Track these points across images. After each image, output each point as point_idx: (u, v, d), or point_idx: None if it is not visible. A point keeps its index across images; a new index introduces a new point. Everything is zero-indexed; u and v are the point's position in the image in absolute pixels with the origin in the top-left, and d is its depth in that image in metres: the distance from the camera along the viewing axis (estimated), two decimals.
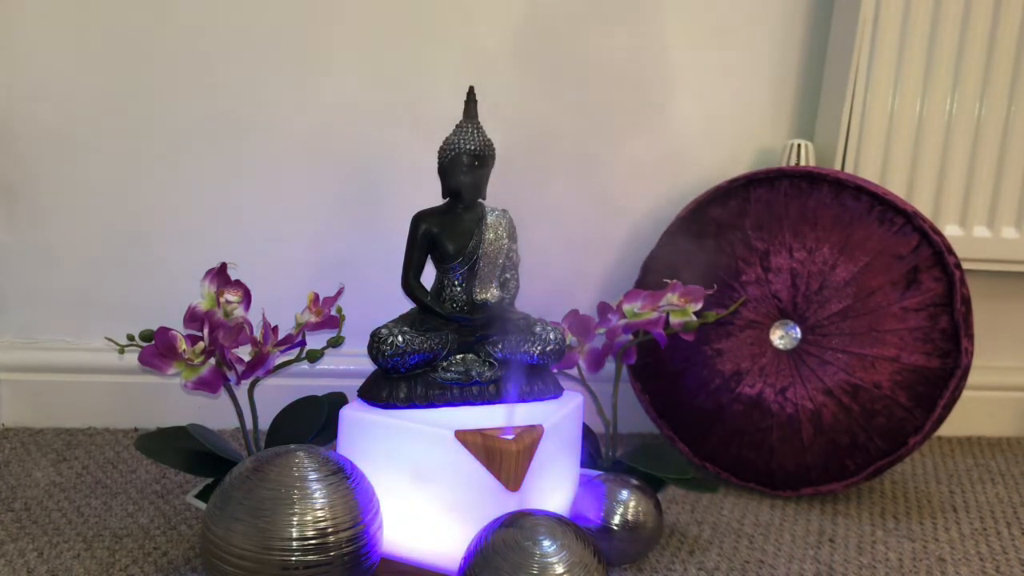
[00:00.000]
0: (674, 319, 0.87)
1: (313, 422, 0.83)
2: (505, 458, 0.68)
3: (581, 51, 1.04)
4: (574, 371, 0.89)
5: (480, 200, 0.78)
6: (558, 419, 0.75)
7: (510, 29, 1.02)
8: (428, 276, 0.77)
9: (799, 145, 1.03)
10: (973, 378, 1.07)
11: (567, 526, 0.64)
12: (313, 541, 0.63)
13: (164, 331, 0.75)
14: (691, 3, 1.05)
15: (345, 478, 0.67)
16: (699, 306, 0.87)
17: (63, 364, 1.02)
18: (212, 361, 0.77)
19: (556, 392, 0.79)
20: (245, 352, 0.79)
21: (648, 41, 1.05)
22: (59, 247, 1.01)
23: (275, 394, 0.88)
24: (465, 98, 0.78)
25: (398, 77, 1.02)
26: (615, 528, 0.75)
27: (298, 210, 1.03)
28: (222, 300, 0.79)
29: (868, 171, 1.03)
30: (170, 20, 0.97)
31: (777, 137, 1.10)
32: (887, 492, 0.98)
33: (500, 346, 0.76)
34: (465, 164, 0.76)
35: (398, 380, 0.74)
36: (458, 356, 0.76)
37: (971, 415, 1.17)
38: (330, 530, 0.63)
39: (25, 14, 0.95)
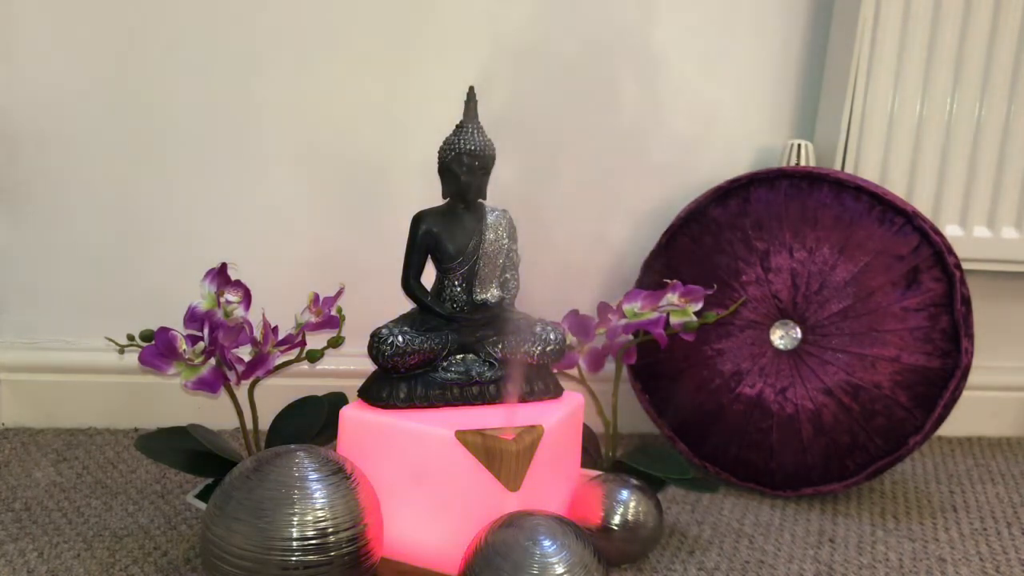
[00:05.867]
0: (674, 319, 0.87)
1: (313, 422, 0.83)
2: (505, 458, 0.68)
3: (581, 51, 1.04)
4: (574, 371, 0.89)
5: (480, 200, 0.78)
6: (558, 419, 0.75)
7: (510, 29, 1.02)
8: (428, 276, 0.77)
9: (799, 145, 1.03)
10: (973, 378, 1.07)
11: (567, 526, 0.64)
12: (313, 541, 0.63)
13: (164, 331, 0.75)
14: (691, 3, 1.05)
15: (345, 478, 0.67)
16: (699, 306, 0.87)
17: (63, 364, 1.02)
18: (212, 361, 0.77)
19: (556, 392, 0.79)
20: (245, 352, 0.79)
21: (648, 41, 1.05)
22: (59, 247, 1.01)
23: (275, 394, 0.88)
24: (465, 98, 0.78)
25: (398, 77, 1.02)
26: (615, 528, 0.75)
27: (298, 210, 1.03)
28: (222, 300, 0.79)
29: (868, 171, 1.03)
30: (169, 20, 0.97)
31: (777, 137, 1.10)
32: (887, 492, 0.98)
33: (500, 346, 0.76)
34: (465, 164, 0.76)
35: (398, 380, 0.74)
36: (458, 356, 0.76)
37: (971, 415, 1.17)
38: (330, 530, 0.63)
39: (25, 15, 0.95)
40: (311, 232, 1.04)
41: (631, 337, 0.88)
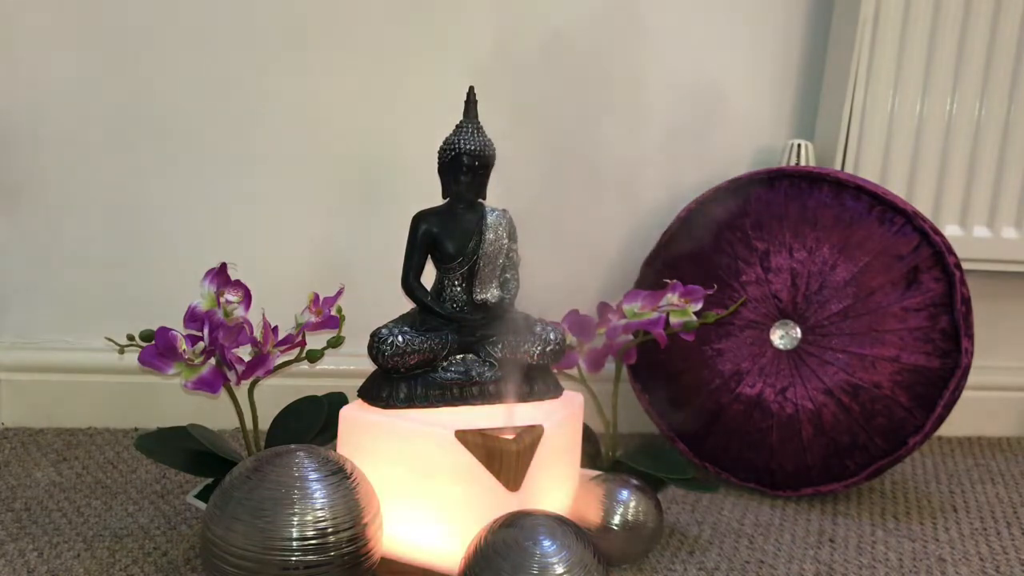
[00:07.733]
0: (674, 319, 0.87)
1: (313, 422, 0.83)
2: (505, 458, 0.68)
3: (581, 51, 1.04)
4: (574, 371, 0.89)
5: (480, 200, 0.78)
6: (558, 419, 0.75)
7: (511, 30, 1.02)
8: (428, 276, 0.77)
9: (799, 145, 1.03)
10: (973, 378, 1.07)
11: (567, 526, 0.64)
12: (313, 541, 0.63)
13: (164, 331, 0.75)
14: (691, 3, 1.05)
15: (345, 478, 0.67)
16: (699, 306, 0.87)
17: (63, 364, 1.02)
18: (212, 361, 0.77)
19: (556, 392, 0.79)
20: (245, 352, 0.79)
21: (648, 41, 1.05)
22: (59, 247, 1.01)
23: (275, 394, 0.88)
24: (465, 98, 0.78)
25: (399, 76, 1.02)
26: (615, 528, 0.75)
27: (298, 210, 1.03)
28: (222, 300, 0.79)
29: (868, 171, 1.03)
30: (170, 19, 0.97)
31: (777, 137, 1.10)
32: (887, 492, 0.98)
33: (500, 346, 0.76)
34: (465, 164, 0.76)
35: (398, 380, 0.74)
36: (458, 356, 0.76)
37: (971, 415, 1.17)
38: (330, 530, 0.63)
39: (25, 14, 0.95)
40: (311, 232, 1.04)
41: (631, 337, 0.88)
